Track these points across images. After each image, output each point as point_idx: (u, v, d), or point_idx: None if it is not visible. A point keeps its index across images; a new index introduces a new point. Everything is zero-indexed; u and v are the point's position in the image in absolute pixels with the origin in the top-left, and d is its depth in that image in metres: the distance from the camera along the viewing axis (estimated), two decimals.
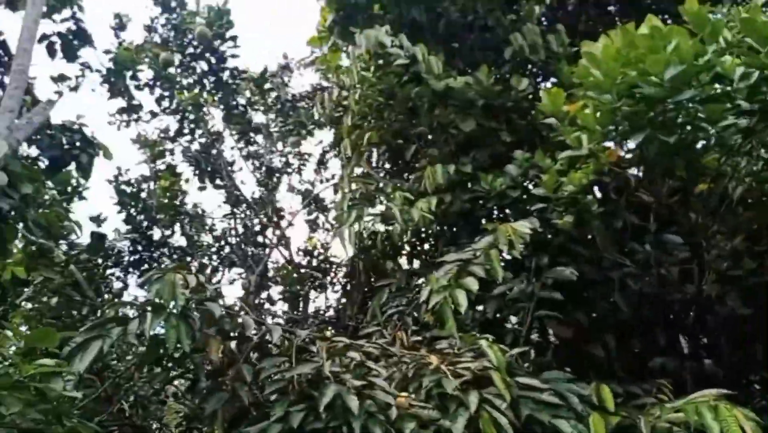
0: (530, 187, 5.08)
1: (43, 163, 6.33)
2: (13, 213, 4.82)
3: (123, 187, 7.62)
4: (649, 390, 3.85)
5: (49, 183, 7.52)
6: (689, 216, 4.61)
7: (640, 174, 5.47)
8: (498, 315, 4.89)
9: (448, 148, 5.82)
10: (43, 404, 2.74)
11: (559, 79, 5.87)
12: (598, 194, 5.05)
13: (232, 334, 3.84)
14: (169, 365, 3.96)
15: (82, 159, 6.26)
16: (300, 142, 8.69)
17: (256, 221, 8.52)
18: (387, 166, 6.61)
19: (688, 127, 3.51)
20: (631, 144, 4.21)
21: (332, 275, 8.14)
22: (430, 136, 5.98)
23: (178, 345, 3.45)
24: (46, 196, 7.07)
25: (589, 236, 4.94)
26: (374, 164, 6.45)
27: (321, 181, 8.94)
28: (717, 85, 3.31)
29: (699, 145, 3.90)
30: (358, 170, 6.16)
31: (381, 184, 5.51)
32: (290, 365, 3.56)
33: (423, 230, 7.04)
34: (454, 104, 5.66)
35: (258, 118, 8.99)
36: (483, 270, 3.93)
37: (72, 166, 6.35)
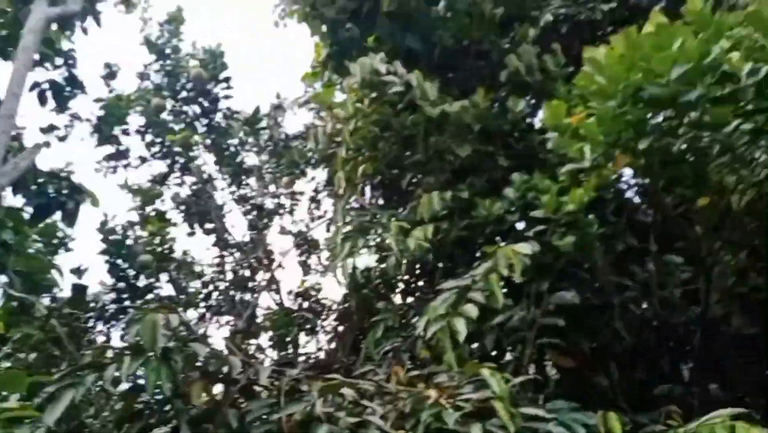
0: (529, 210, 4.89)
1: (28, 214, 6.20)
2: None
3: (108, 235, 7.45)
4: (657, 419, 3.62)
5: (35, 236, 7.36)
6: (692, 231, 4.40)
7: (637, 196, 5.32)
8: (497, 348, 4.67)
9: (444, 176, 5.67)
10: None
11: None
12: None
13: (217, 377, 3.59)
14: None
15: (69, 206, 6.16)
16: (293, 182, 8.56)
17: (246, 265, 8.31)
18: (382, 198, 6.45)
19: (694, 132, 3.35)
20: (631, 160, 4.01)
21: (324, 317, 7.88)
22: (425, 165, 5.83)
23: (158, 390, 3.24)
24: (31, 250, 6.88)
25: (589, 262, 4.76)
26: (369, 196, 6.29)
27: (313, 220, 8.78)
28: (723, 87, 3.15)
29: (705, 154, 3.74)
30: (351, 204, 5.99)
31: (376, 216, 5.32)
32: (279, 406, 3.31)
33: (418, 266, 6.83)
34: (450, 130, 5.54)
35: (250, 160, 8.91)
36: (483, 296, 3.70)
37: (58, 216, 6.23)
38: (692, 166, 3.66)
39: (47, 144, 7.25)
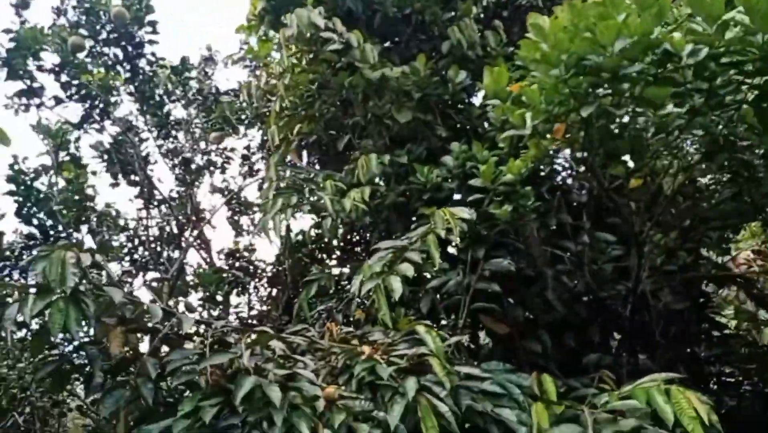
0: (467, 180, 4.91)
1: None
2: None
3: (19, 176, 6.84)
4: (588, 384, 3.74)
5: None
6: (625, 210, 4.56)
7: (570, 179, 5.48)
8: (431, 314, 4.70)
9: (381, 141, 5.59)
10: None
11: None
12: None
13: (137, 325, 3.36)
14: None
15: None
16: (223, 138, 8.18)
17: (173, 220, 7.89)
18: (317, 160, 6.29)
19: (632, 108, 3.42)
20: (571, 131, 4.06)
21: (256, 279, 7.64)
22: (363, 129, 5.72)
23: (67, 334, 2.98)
24: None
25: (524, 233, 4.87)
26: (305, 158, 6.11)
27: (244, 177, 8.44)
28: (664, 65, 3.22)
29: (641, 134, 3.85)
30: (286, 162, 5.79)
31: (311, 174, 5.17)
32: (204, 357, 3.14)
33: (354, 231, 6.74)
34: (389, 96, 5.46)
35: (178, 112, 8.42)
36: (419, 256, 3.66)
37: None
38: (630, 143, 3.75)
39: None
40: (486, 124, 5.55)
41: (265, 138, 8.10)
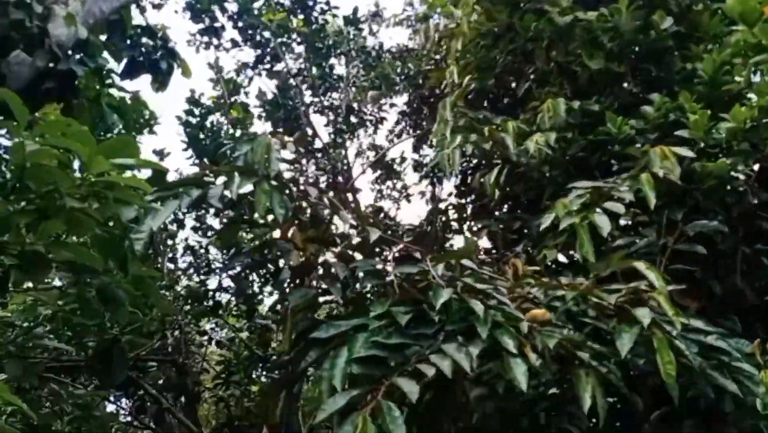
0: (667, 135, 4.35)
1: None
2: (85, 90, 4.38)
3: (194, 107, 7.19)
4: None
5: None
6: None
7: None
8: None
9: (563, 92, 5.15)
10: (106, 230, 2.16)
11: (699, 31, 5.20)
12: None
13: (322, 233, 3.25)
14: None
15: (161, 66, 5.80)
16: (381, 98, 8.11)
17: (327, 170, 7.95)
18: (487, 108, 5.96)
19: None
20: None
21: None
22: (543, 78, 5.32)
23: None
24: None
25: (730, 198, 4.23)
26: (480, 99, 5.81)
27: (399, 136, 8.27)
28: None
29: None
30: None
31: (488, 117, 4.87)
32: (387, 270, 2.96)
33: (510, 198, 6.30)
34: (575, 44, 5.02)
35: (338, 70, 8.47)
36: (631, 195, 3.23)
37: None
38: None
39: (143, 9, 6.92)
40: (692, 79, 4.93)
41: (415, 104, 7.95)
